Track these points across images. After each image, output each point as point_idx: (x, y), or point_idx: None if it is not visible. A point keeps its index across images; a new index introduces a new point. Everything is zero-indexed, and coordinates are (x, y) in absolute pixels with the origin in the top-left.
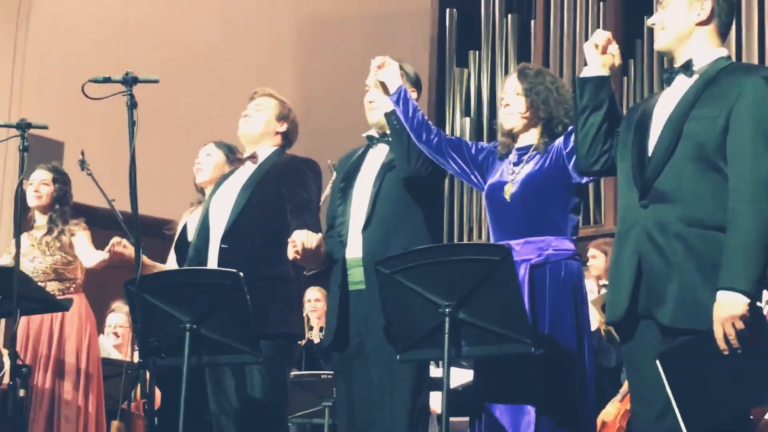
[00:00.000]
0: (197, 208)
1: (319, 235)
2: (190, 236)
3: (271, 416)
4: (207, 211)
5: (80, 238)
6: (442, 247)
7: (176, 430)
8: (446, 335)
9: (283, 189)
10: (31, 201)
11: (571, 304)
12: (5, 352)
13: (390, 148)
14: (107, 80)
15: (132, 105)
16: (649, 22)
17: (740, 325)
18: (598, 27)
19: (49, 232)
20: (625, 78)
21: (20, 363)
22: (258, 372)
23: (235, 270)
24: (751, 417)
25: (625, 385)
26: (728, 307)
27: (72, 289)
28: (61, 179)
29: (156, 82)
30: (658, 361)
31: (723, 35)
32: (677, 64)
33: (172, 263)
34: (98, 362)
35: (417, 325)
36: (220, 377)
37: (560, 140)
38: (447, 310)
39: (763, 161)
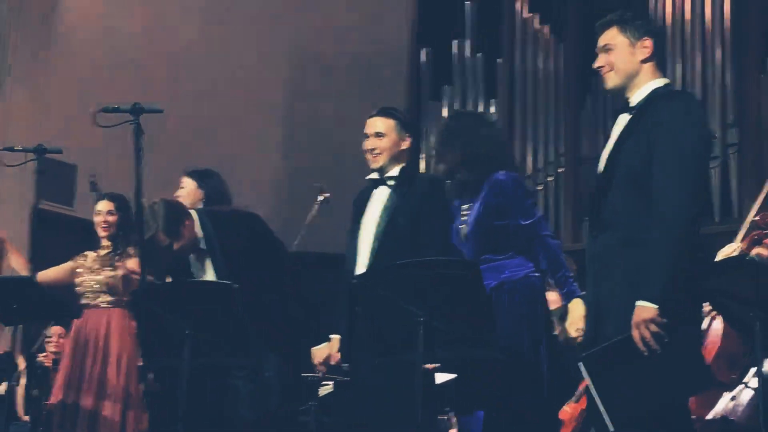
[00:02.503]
0: None
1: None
2: None
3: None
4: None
5: (128, 263)
6: (418, 262)
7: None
8: (421, 342)
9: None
10: (101, 231)
11: (524, 318)
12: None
13: None
14: (116, 110)
15: (138, 133)
16: (595, 65)
17: (653, 328)
18: (558, 65)
19: (113, 251)
20: (582, 111)
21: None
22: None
23: (229, 282)
24: (693, 416)
25: (582, 385)
26: (639, 314)
27: (120, 303)
28: (123, 207)
29: (160, 112)
30: (581, 363)
31: (662, 67)
32: (629, 98)
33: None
34: (136, 378)
35: (394, 332)
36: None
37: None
38: (422, 319)
39: (676, 184)
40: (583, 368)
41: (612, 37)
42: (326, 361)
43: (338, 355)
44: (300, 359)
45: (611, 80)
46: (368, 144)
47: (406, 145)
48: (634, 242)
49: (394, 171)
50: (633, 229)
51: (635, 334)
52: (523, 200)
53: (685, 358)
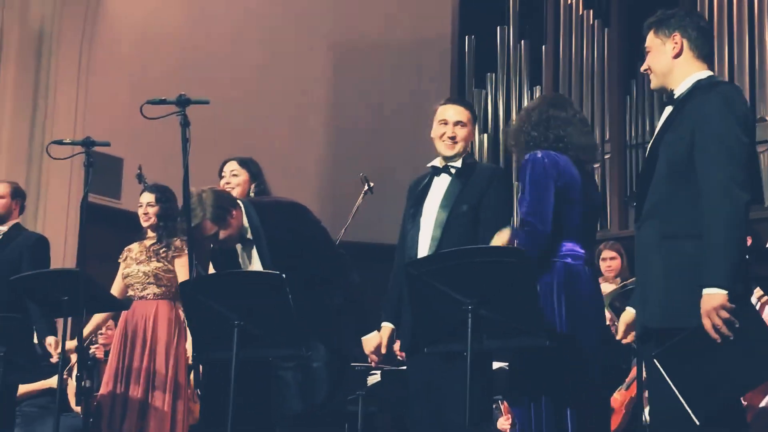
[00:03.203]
0: None
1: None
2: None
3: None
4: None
5: (180, 264)
6: (466, 250)
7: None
8: (469, 330)
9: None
10: (143, 222)
11: (552, 301)
12: (71, 345)
13: None
14: (162, 102)
15: (185, 124)
16: (642, 68)
17: (724, 314)
18: (603, 51)
19: (158, 242)
20: (628, 97)
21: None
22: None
23: (278, 272)
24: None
25: (631, 374)
26: (709, 301)
27: (168, 295)
28: (164, 198)
29: (207, 103)
30: (655, 360)
31: (704, 58)
32: (673, 91)
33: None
34: (185, 369)
35: (443, 321)
36: (283, 372)
37: None
38: (470, 307)
39: (721, 170)
40: (658, 365)
41: (650, 40)
42: (377, 351)
43: (388, 344)
44: (348, 350)
45: (653, 82)
46: (448, 131)
47: (473, 138)
48: (674, 233)
49: (458, 161)
50: (673, 220)
51: (706, 322)
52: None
53: (755, 344)
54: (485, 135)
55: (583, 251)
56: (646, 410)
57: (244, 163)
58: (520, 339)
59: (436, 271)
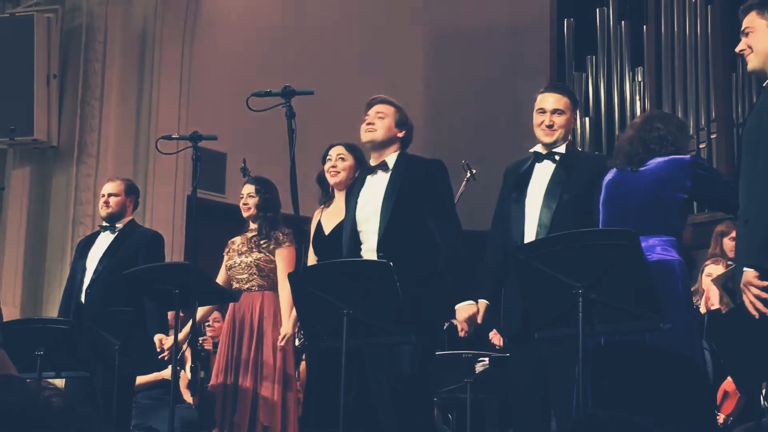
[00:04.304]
0: (329, 207)
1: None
2: (327, 232)
3: (421, 392)
4: (354, 222)
5: (281, 256)
6: (573, 234)
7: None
8: (580, 314)
9: (422, 194)
10: (243, 212)
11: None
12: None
13: None
14: (268, 94)
15: (290, 115)
16: (737, 49)
17: (754, 290)
18: (706, 28)
19: (259, 233)
20: (734, 74)
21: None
22: (409, 354)
23: (386, 260)
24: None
25: None
26: (743, 279)
27: (269, 285)
28: (264, 189)
29: (311, 93)
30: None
31: None
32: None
33: (312, 260)
34: (292, 359)
35: (552, 305)
36: (378, 358)
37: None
38: (580, 291)
39: None
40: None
41: (751, 20)
42: (471, 320)
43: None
44: (441, 337)
45: (752, 62)
46: (546, 119)
47: (575, 122)
48: (744, 217)
49: (561, 147)
50: (745, 204)
51: (744, 298)
52: None
53: None
54: (587, 119)
55: None
56: (765, 392)
57: (352, 148)
58: (632, 323)
59: (545, 255)
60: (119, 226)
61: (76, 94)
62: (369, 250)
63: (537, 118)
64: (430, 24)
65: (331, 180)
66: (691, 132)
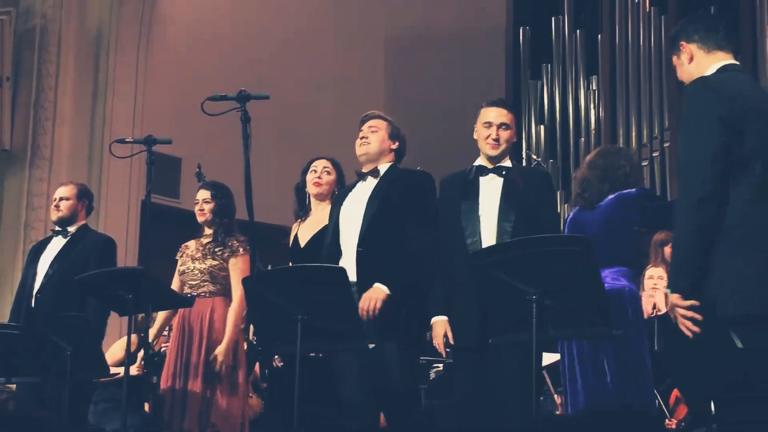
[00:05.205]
0: (305, 220)
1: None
2: (303, 244)
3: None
4: (337, 221)
5: (235, 265)
6: (529, 240)
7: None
8: (534, 320)
9: (407, 203)
10: (198, 217)
11: None
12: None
13: None
14: (223, 98)
15: (246, 120)
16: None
17: (682, 311)
18: (660, 38)
19: (214, 239)
20: None
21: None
22: (395, 363)
23: (340, 266)
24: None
25: None
26: (668, 303)
27: (221, 291)
28: (220, 194)
29: (267, 98)
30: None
31: (720, 49)
32: None
33: None
34: (243, 365)
35: (507, 311)
36: (362, 364)
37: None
38: (534, 297)
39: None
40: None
41: (674, 60)
42: (446, 336)
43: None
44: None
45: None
46: (492, 133)
47: (515, 139)
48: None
49: (506, 161)
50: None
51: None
52: None
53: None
54: (542, 126)
55: None
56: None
57: (336, 163)
58: (585, 329)
59: (500, 261)
60: (71, 230)
61: (29, 97)
62: (349, 249)
63: (483, 132)
64: (389, 28)
65: (315, 189)
66: (644, 141)
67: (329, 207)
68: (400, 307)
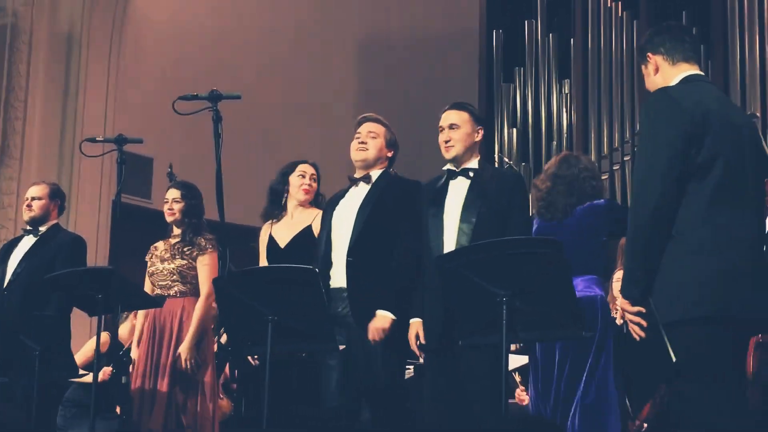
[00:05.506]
0: (279, 221)
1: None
2: (282, 245)
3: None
4: (330, 227)
5: (203, 263)
6: (499, 242)
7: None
8: (504, 322)
9: (398, 211)
10: (167, 217)
11: None
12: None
13: None
14: (195, 98)
15: (217, 119)
16: None
17: (629, 317)
18: (632, 42)
19: (182, 239)
20: None
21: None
22: (381, 364)
23: (311, 267)
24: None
25: None
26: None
27: (191, 291)
28: (190, 194)
29: (238, 98)
30: None
31: (686, 60)
32: None
33: None
34: (212, 365)
35: (477, 313)
36: (348, 360)
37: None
38: (504, 299)
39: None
40: None
41: (643, 70)
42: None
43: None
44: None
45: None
46: (443, 136)
47: (478, 137)
48: None
49: (472, 163)
50: None
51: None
52: None
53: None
54: (514, 129)
55: None
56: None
57: (317, 169)
58: (555, 331)
59: (469, 262)
60: (42, 229)
61: None
62: (339, 257)
63: (439, 138)
64: (362, 31)
65: (303, 196)
66: (615, 145)
67: (308, 211)
68: (396, 309)
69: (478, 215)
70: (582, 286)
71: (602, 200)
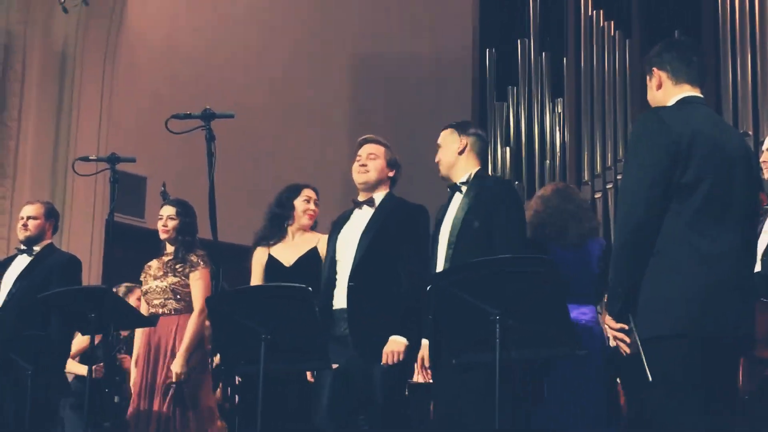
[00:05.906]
0: (277, 244)
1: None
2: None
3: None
4: (334, 250)
5: (195, 279)
6: (493, 260)
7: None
8: (497, 341)
9: (401, 235)
10: (161, 234)
11: None
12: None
13: None
14: (187, 116)
15: (210, 138)
16: None
17: (613, 333)
18: (624, 62)
19: (175, 257)
20: None
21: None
22: (380, 382)
23: (304, 285)
24: None
25: None
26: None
27: (185, 308)
28: (184, 212)
29: (232, 117)
30: None
31: (690, 82)
32: None
33: None
34: (207, 382)
35: (470, 331)
36: (346, 380)
37: None
38: (497, 317)
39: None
40: None
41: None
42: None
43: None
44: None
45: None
46: (438, 156)
47: (466, 150)
48: None
49: (465, 177)
50: None
51: None
52: None
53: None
54: (507, 148)
55: None
56: None
57: (317, 194)
58: (549, 349)
59: (462, 281)
60: (36, 249)
61: None
62: (341, 281)
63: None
64: (355, 50)
65: (307, 221)
66: (609, 164)
67: (309, 234)
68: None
69: (459, 232)
70: (581, 314)
71: (602, 239)
